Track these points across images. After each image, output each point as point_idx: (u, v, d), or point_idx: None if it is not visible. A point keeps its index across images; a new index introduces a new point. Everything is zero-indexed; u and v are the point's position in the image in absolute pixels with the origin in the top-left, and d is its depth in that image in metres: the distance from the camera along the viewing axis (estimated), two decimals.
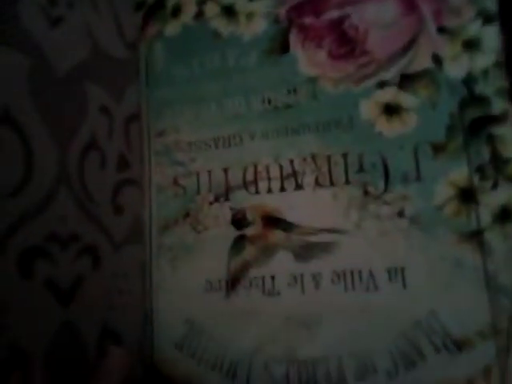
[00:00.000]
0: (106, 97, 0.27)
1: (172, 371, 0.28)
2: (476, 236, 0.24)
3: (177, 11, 0.32)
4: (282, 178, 0.28)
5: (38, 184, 0.22)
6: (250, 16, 0.30)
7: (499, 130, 0.24)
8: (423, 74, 0.26)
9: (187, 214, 0.29)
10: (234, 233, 0.28)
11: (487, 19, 0.25)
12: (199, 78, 0.30)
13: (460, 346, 0.23)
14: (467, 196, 0.24)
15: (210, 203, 0.29)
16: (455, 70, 0.25)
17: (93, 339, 0.25)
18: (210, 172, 0.29)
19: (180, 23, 0.31)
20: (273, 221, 0.27)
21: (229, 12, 0.30)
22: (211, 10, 0.31)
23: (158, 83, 0.31)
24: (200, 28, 0.31)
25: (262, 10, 0.30)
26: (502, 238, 0.23)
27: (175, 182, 0.30)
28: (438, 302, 0.24)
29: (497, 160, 0.24)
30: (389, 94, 0.26)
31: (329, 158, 0.27)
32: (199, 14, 0.31)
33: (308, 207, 0.27)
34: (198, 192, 0.29)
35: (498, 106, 0.24)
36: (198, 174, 0.29)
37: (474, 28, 0.26)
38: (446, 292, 0.24)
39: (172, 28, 0.32)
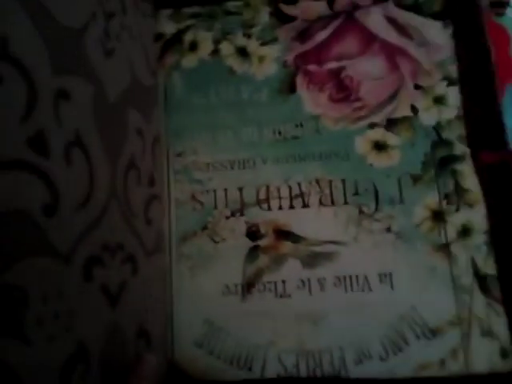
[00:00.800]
0: (141, 120, 0.30)
1: (192, 367, 0.31)
2: (445, 248, 0.31)
3: (194, 47, 0.36)
4: (291, 198, 0.33)
5: (97, 199, 0.25)
6: (261, 59, 0.35)
7: (460, 167, 0.32)
8: (404, 120, 0.33)
9: (205, 227, 0.33)
10: (248, 244, 0.32)
11: (450, 82, 0.33)
12: (215, 107, 0.34)
13: (434, 333, 0.30)
14: (438, 216, 0.31)
15: (227, 217, 0.33)
16: (428, 118, 0.33)
17: (133, 338, 0.27)
18: (226, 190, 0.33)
19: (197, 57, 0.35)
20: (283, 234, 0.32)
21: (242, 53, 0.35)
22: (226, 49, 0.35)
23: (176, 109, 0.35)
24: (216, 63, 0.35)
25: (272, 55, 0.35)
26: (463, 249, 0.31)
27: (193, 198, 0.33)
28: (417, 299, 0.30)
29: (459, 189, 0.32)
30: (378, 134, 0.33)
31: (330, 183, 0.33)
32: (215, 52, 0.35)
33: (313, 223, 0.32)
34: (216, 207, 0.33)
35: (459, 148, 0.32)
36: (215, 192, 0.33)
37: (441, 88, 0.33)
38: (424, 291, 0.30)
39: (189, 61, 0.35)
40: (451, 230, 0.31)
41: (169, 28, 0.36)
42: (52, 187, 0.20)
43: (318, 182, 0.33)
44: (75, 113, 0.24)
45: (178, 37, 0.36)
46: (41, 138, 0.20)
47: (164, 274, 0.32)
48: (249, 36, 0.35)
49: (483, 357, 0.29)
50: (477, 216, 0.31)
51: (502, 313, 0.30)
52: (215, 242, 0.32)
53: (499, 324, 0.30)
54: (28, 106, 0.19)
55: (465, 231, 0.31)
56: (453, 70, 0.33)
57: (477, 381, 0.29)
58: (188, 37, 0.36)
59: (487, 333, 0.30)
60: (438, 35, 0.34)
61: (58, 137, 0.21)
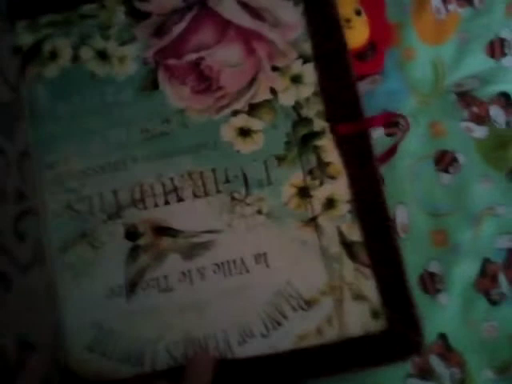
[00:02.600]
0: (1, 138, 0.30)
1: (85, 371, 0.32)
2: (312, 221, 0.32)
3: (54, 55, 0.35)
4: (165, 194, 0.33)
5: None
6: (122, 59, 0.35)
7: (321, 142, 0.33)
8: (265, 104, 0.34)
9: (84, 234, 0.33)
10: (128, 244, 0.33)
11: (306, 59, 0.34)
12: (81, 114, 0.34)
13: (310, 303, 0.31)
14: (304, 192, 0.33)
15: (104, 222, 0.33)
16: (287, 99, 0.34)
17: (14, 351, 0.28)
18: (100, 194, 0.33)
19: (58, 66, 0.35)
20: (162, 230, 0.33)
21: (102, 56, 0.35)
22: (86, 53, 0.35)
23: (42, 121, 0.34)
24: (77, 69, 0.35)
25: (132, 54, 0.35)
26: (329, 220, 0.32)
27: (69, 207, 0.33)
28: (292, 273, 0.32)
29: (321, 164, 0.33)
30: (241, 120, 0.34)
31: (202, 174, 0.33)
32: (75, 58, 0.35)
33: (189, 215, 0.33)
34: (92, 213, 0.33)
35: (318, 124, 0.33)
36: (90, 198, 0.33)
37: (297, 66, 0.34)
38: (297, 265, 0.32)
39: (50, 70, 0.35)
40: (317, 204, 0.32)
41: (26, 39, 0.36)
42: None
43: (189, 174, 0.33)
44: None
45: (36, 47, 0.36)
46: None
47: (48, 284, 0.32)
48: (107, 38, 0.35)
49: (356, 320, 0.31)
50: (340, 187, 0.32)
51: (370, 276, 0.31)
52: (95, 247, 0.33)
53: (369, 287, 0.31)
54: None
55: (329, 203, 0.32)
56: (307, 48, 0.34)
57: (352, 344, 0.31)
58: (47, 46, 0.35)
59: (358, 296, 0.31)
60: (290, 14, 0.35)
61: None
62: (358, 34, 0.36)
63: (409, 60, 0.36)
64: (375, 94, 0.35)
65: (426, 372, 0.31)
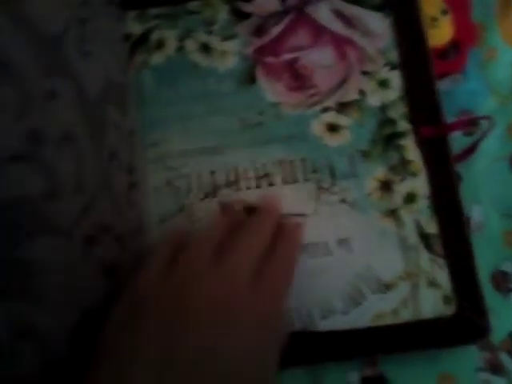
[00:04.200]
0: (117, 115, 0.34)
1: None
2: (393, 213, 0.35)
3: (160, 45, 0.39)
4: (258, 178, 0.37)
5: (88, 186, 0.28)
6: (223, 53, 0.38)
7: (404, 142, 0.36)
8: (353, 103, 0.37)
9: (182, 209, 0.36)
10: None
11: (393, 66, 0.37)
12: (184, 99, 0.38)
13: (388, 287, 0.34)
14: (386, 186, 0.36)
15: (201, 199, 0.36)
16: (374, 100, 0.37)
17: None
18: (199, 174, 0.37)
19: (164, 54, 0.38)
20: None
21: (205, 48, 0.38)
22: (190, 45, 0.39)
23: (148, 103, 0.38)
24: (182, 59, 0.38)
25: (232, 49, 0.38)
26: (408, 213, 0.35)
27: (169, 184, 0.37)
28: (372, 259, 0.35)
29: (403, 161, 0.36)
30: (330, 116, 0.37)
31: (291, 163, 0.37)
32: (180, 48, 0.39)
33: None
34: (190, 191, 0.36)
35: (402, 125, 0.37)
36: (188, 177, 0.37)
37: (384, 72, 0.37)
38: (377, 252, 0.35)
39: (157, 58, 0.38)
40: (398, 198, 0.36)
41: (135, 29, 0.39)
42: (50, 176, 0.24)
43: (280, 162, 0.37)
44: (63, 110, 0.27)
45: (144, 36, 0.39)
46: (37, 134, 0.23)
47: (148, 252, 0.35)
48: (210, 33, 0.39)
49: (429, 304, 0.34)
50: (419, 184, 0.36)
51: (443, 266, 0.34)
52: (192, 221, 0.36)
53: (442, 275, 0.34)
54: (23, 105, 0.22)
55: (409, 197, 0.35)
56: (394, 56, 0.38)
57: (425, 325, 0.34)
58: (154, 36, 0.39)
59: (432, 283, 0.34)
60: (380, 25, 0.38)
61: (52, 132, 0.25)
62: (442, 33, 0.38)
63: (490, 61, 0.38)
64: (455, 94, 0.37)
65: (496, 367, 0.34)
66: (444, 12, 0.39)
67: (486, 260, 0.35)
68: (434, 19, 0.38)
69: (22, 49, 0.23)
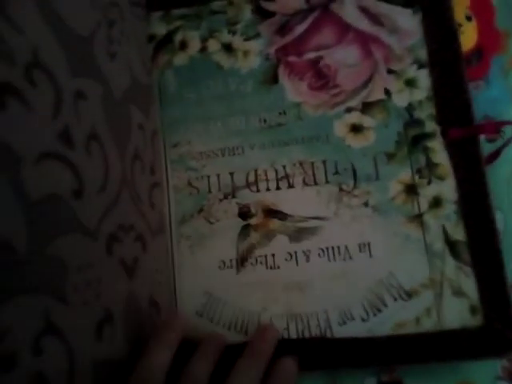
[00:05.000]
0: (141, 116, 0.34)
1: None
2: (418, 218, 0.34)
3: (183, 45, 0.39)
4: (277, 180, 0.36)
5: (112, 185, 0.28)
6: (246, 53, 0.38)
7: (431, 143, 0.35)
8: (378, 103, 0.36)
9: (201, 209, 0.36)
10: (240, 223, 0.36)
11: (421, 65, 0.36)
12: (206, 100, 0.38)
13: (410, 294, 0.33)
14: (411, 190, 0.34)
15: (220, 200, 0.36)
16: (400, 100, 0.36)
17: (146, 307, 0.31)
18: (218, 175, 0.37)
19: (187, 55, 0.39)
20: (271, 212, 0.36)
21: (228, 49, 0.38)
22: (213, 46, 0.39)
23: (170, 104, 0.38)
24: (204, 60, 0.38)
25: (256, 49, 0.38)
26: (434, 218, 0.34)
27: (189, 184, 0.37)
28: (394, 265, 0.34)
29: (430, 164, 0.35)
30: (354, 117, 0.36)
31: (312, 164, 0.36)
32: (203, 49, 0.39)
33: (298, 201, 0.35)
34: (210, 191, 0.36)
35: (429, 126, 0.35)
36: (208, 177, 0.37)
37: (412, 71, 0.36)
38: (399, 258, 0.34)
39: (180, 59, 0.39)
40: (423, 202, 0.34)
41: (160, 29, 0.39)
42: (78, 174, 0.24)
43: (301, 164, 0.36)
44: (90, 110, 0.27)
45: (168, 37, 0.39)
46: (67, 133, 0.24)
47: (167, 252, 0.36)
48: (233, 33, 0.38)
49: (454, 314, 0.32)
50: (447, 188, 0.34)
51: (470, 274, 0.33)
52: (210, 222, 0.36)
53: (468, 284, 0.33)
54: (56, 105, 0.23)
55: (436, 202, 0.34)
56: (422, 54, 0.36)
57: (449, 336, 0.32)
58: (178, 37, 0.39)
59: (457, 292, 0.33)
60: (408, 22, 0.37)
61: (80, 132, 0.25)
62: (466, 39, 0.37)
63: None
64: (477, 100, 0.36)
65: None
66: (468, 18, 0.37)
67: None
68: (459, 25, 0.37)
69: (53, 48, 0.24)
